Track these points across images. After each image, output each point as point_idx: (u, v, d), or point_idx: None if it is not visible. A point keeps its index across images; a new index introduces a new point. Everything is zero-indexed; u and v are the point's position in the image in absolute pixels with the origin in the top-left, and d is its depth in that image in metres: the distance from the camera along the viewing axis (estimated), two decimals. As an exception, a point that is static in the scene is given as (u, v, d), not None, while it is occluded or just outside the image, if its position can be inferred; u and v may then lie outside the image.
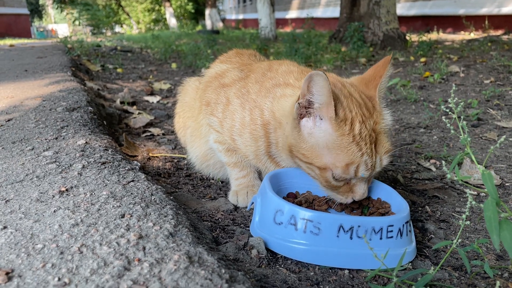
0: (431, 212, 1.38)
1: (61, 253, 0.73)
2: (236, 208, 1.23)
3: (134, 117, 2.50)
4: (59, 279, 0.65)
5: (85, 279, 0.65)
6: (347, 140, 0.94)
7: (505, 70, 3.97)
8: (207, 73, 1.45)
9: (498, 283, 0.72)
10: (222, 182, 1.51)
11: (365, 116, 0.97)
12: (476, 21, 9.08)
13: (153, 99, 3.22)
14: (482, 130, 2.30)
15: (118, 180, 1.06)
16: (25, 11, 23.21)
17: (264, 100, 1.14)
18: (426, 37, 6.93)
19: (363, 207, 1.08)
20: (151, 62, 6.25)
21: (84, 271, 0.67)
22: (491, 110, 2.64)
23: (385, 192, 1.10)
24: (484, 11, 8.90)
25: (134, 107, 2.84)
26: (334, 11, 14.65)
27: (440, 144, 2.15)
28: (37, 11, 39.48)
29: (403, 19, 10.81)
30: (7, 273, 0.67)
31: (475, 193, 1.54)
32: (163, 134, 2.29)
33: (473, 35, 8.55)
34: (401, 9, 11.20)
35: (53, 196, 0.97)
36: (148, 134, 2.25)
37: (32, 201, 0.95)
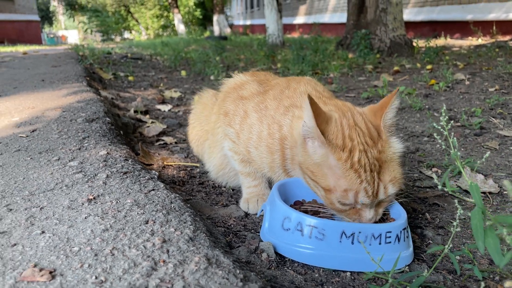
0: (431, 219, 1.47)
1: (96, 255, 0.83)
2: (247, 214, 1.33)
3: (148, 126, 2.61)
4: (96, 277, 0.75)
5: (119, 277, 0.75)
6: (345, 166, 1.00)
7: (510, 78, 4.03)
8: (226, 83, 1.53)
9: (483, 284, 0.80)
10: (233, 189, 1.60)
11: (367, 145, 1.03)
12: (484, 26, 9.11)
13: (165, 108, 3.34)
14: (484, 139, 2.37)
15: (140, 189, 1.16)
16: (36, 17, 23.64)
17: (283, 117, 1.21)
18: (433, 43, 6.99)
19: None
20: (161, 69, 6.39)
21: (117, 270, 0.77)
22: (493, 119, 2.70)
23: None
24: (492, 16, 8.92)
25: (147, 116, 2.96)
26: (341, 17, 14.74)
27: (443, 152, 2.23)
28: (47, 17, 40.11)
29: (410, 25, 10.87)
30: (50, 272, 0.77)
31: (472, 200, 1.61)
32: (176, 142, 2.40)
33: (480, 40, 8.59)
34: (409, 15, 11.26)
35: (83, 204, 1.07)
36: (162, 142, 2.36)
37: (64, 208, 1.06)
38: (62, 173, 1.30)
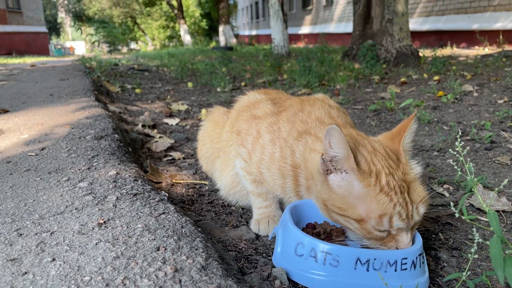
0: (444, 240, 1.44)
1: (107, 285, 0.82)
2: (257, 236, 1.31)
3: (156, 141, 2.61)
4: (108, 311, 0.74)
5: (131, 311, 0.74)
6: (374, 191, 0.98)
7: (518, 89, 3.99)
8: (240, 100, 1.52)
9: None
10: (242, 209, 1.59)
11: (391, 168, 1.02)
12: (490, 36, 9.09)
13: (172, 122, 3.34)
14: (495, 154, 2.34)
15: (150, 212, 1.15)
16: (44, 29, 24.00)
17: (296, 143, 1.20)
18: (439, 52, 6.97)
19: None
20: (167, 81, 6.42)
21: (129, 303, 0.76)
22: (504, 132, 2.67)
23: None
24: (498, 25, 8.90)
25: (155, 130, 2.96)
26: (346, 27, 14.79)
27: (453, 168, 2.20)
28: (55, 29, 40.68)
29: (416, 34, 10.88)
30: (61, 305, 0.76)
31: (487, 219, 1.58)
32: (184, 158, 2.39)
33: (487, 50, 8.55)
34: (414, 24, 11.27)
35: (93, 229, 1.06)
36: (170, 158, 2.35)
37: (75, 233, 1.05)
38: (72, 195, 1.29)
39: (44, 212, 1.18)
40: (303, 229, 1.07)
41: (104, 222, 1.10)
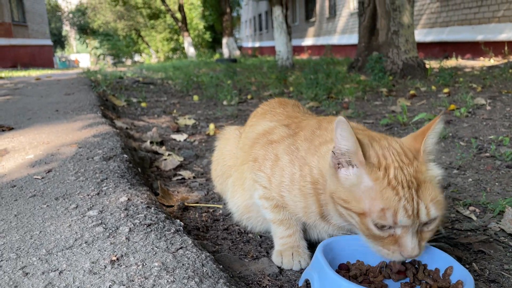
0: (479, 271, 1.34)
1: None
2: (281, 270, 1.22)
3: (165, 159, 2.53)
4: None
5: None
6: (381, 184, 0.94)
7: (533, 102, 3.90)
8: (253, 129, 1.46)
9: None
10: (260, 236, 1.49)
11: (403, 163, 0.97)
12: (495, 47, 9.03)
13: (180, 137, 3.27)
14: (519, 172, 2.25)
15: (167, 247, 1.06)
16: (49, 42, 24.18)
17: (312, 158, 1.15)
18: (444, 64, 6.91)
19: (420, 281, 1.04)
20: (173, 94, 6.37)
21: None
22: (525, 149, 2.57)
23: (442, 261, 1.06)
24: (503, 37, 8.85)
25: (163, 147, 2.88)
26: (350, 38, 14.81)
27: (477, 187, 2.10)
28: (59, 41, 41.03)
29: (420, 46, 10.83)
30: None
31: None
32: (194, 177, 2.30)
33: (493, 61, 8.49)
34: (418, 36, 11.23)
35: (105, 267, 0.97)
36: (179, 177, 2.27)
37: (85, 272, 0.96)
38: (81, 226, 1.20)
39: (52, 247, 1.09)
40: (336, 272, 0.97)
41: (117, 259, 1.01)
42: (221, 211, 1.74)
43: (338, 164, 1.01)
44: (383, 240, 0.96)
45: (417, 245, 0.95)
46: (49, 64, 22.90)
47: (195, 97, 5.74)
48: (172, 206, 1.73)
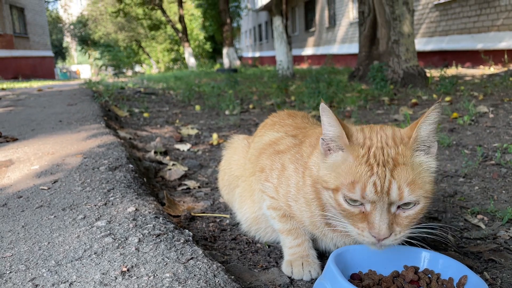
0: (491, 280, 1.32)
1: None
2: (291, 281, 1.20)
3: (169, 169, 2.52)
4: None
5: None
6: (359, 160, 0.97)
7: (535, 110, 3.91)
8: (260, 140, 1.46)
9: None
10: (269, 246, 1.48)
11: (386, 145, 0.99)
12: (495, 55, 9.08)
13: (184, 147, 3.26)
14: (525, 180, 2.24)
15: (177, 258, 1.05)
16: (50, 53, 24.33)
17: (312, 158, 1.17)
18: (446, 73, 6.93)
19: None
20: (174, 104, 6.38)
21: None
22: (530, 156, 2.57)
23: (456, 270, 1.05)
24: (503, 45, 8.90)
25: (167, 157, 2.88)
26: (350, 47, 14.89)
27: (484, 195, 2.09)
28: (61, 53, 41.27)
29: (420, 54, 10.88)
30: None
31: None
32: (199, 187, 2.29)
33: (492, 69, 8.52)
34: (418, 45, 11.29)
35: (116, 278, 0.96)
36: (184, 187, 2.26)
37: (96, 284, 0.95)
38: (90, 236, 1.19)
39: (61, 258, 1.08)
40: (349, 282, 0.96)
41: (128, 270, 1.00)
42: (228, 221, 1.73)
43: (329, 150, 1.05)
44: (354, 217, 0.98)
45: (386, 224, 0.95)
46: (50, 75, 23.01)
47: (197, 107, 5.75)
48: (178, 216, 1.72)
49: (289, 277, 1.22)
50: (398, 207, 0.97)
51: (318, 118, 4.03)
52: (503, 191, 2.11)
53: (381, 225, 0.94)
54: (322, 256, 1.33)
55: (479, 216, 1.84)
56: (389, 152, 0.98)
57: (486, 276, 1.35)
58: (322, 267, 1.23)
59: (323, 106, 1.00)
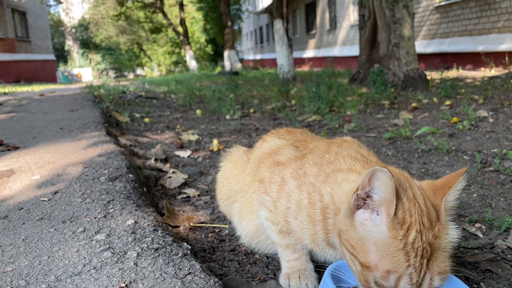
0: (488, 291, 1.33)
1: None
2: (289, 294, 1.22)
3: (169, 177, 2.54)
4: None
5: None
6: (397, 245, 0.89)
7: (535, 114, 3.91)
8: (260, 147, 1.45)
9: None
10: (267, 257, 1.49)
11: (424, 226, 0.92)
12: (496, 57, 9.08)
13: (184, 154, 3.28)
14: (524, 187, 2.24)
15: (175, 273, 1.07)
16: (52, 57, 24.43)
17: (324, 186, 1.13)
18: (445, 75, 6.94)
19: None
20: (175, 108, 6.41)
21: None
22: (529, 163, 2.57)
23: (449, 283, 1.05)
24: (504, 47, 8.90)
25: (167, 164, 2.89)
26: (350, 50, 14.91)
27: (482, 203, 2.10)
28: (62, 56, 41.42)
29: (420, 57, 10.89)
30: None
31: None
32: (199, 195, 2.31)
33: (493, 71, 8.52)
34: (419, 47, 11.30)
35: (115, 294, 0.98)
36: (184, 196, 2.27)
37: (95, 300, 0.96)
38: (89, 251, 1.21)
39: (61, 273, 1.09)
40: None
41: (126, 286, 1.01)
42: (227, 231, 1.74)
43: (357, 205, 0.96)
44: None
45: None
46: (52, 79, 23.10)
47: (198, 111, 5.77)
48: (178, 226, 1.73)
49: (287, 290, 1.23)
50: None
51: (318, 122, 4.02)
52: (501, 199, 2.12)
53: None
54: (319, 267, 1.35)
55: (477, 225, 1.85)
56: (428, 237, 0.91)
57: (483, 287, 1.35)
58: (319, 280, 1.24)
59: (382, 170, 0.89)
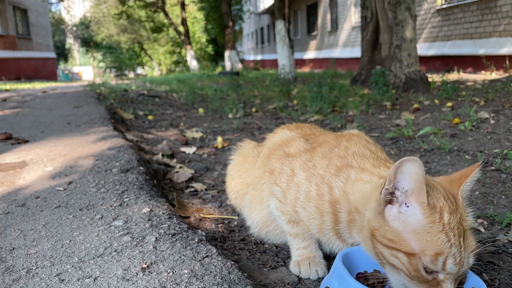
0: (490, 281, 1.38)
1: None
2: (299, 279, 1.27)
3: (177, 172, 2.59)
4: None
5: None
6: (437, 228, 0.93)
7: (535, 116, 3.97)
8: (271, 138, 1.50)
9: None
10: (276, 247, 1.54)
11: (451, 208, 0.97)
12: (496, 60, 9.15)
13: (189, 150, 3.33)
14: (524, 185, 2.30)
15: (193, 256, 1.12)
16: (52, 55, 24.45)
17: (335, 179, 1.17)
18: (447, 78, 7.00)
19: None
20: (178, 107, 6.45)
21: None
22: (529, 162, 2.63)
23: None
24: (504, 51, 8.97)
25: (174, 160, 2.94)
26: (352, 51, 14.97)
27: (484, 200, 2.15)
28: (63, 54, 41.41)
29: (422, 59, 10.96)
30: None
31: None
32: (206, 189, 2.36)
33: (494, 75, 8.59)
34: (420, 49, 11.36)
35: (137, 274, 1.03)
36: (192, 190, 2.32)
37: (119, 279, 1.01)
38: (109, 235, 1.26)
39: (83, 255, 1.14)
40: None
41: (147, 266, 1.06)
42: (236, 223, 1.79)
43: (387, 201, 0.98)
44: (428, 282, 0.94)
45: None
46: (53, 77, 23.12)
47: (201, 110, 5.82)
48: (189, 217, 1.78)
49: (297, 276, 1.28)
50: None
51: (320, 122, 4.07)
52: (503, 196, 2.17)
53: None
54: (327, 257, 1.39)
55: (479, 220, 1.90)
56: (457, 217, 0.96)
57: (485, 277, 1.41)
58: (328, 267, 1.29)
59: (410, 159, 0.91)
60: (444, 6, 10.82)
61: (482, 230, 1.80)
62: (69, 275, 1.04)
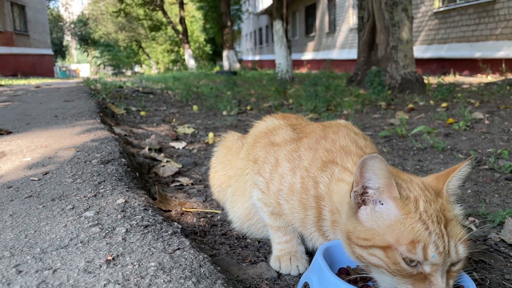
0: (480, 280, 1.32)
1: (118, 338, 0.71)
2: (279, 275, 1.20)
3: (163, 165, 2.52)
4: None
5: None
6: (412, 217, 0.88)
7: (531, 117, 3.92)
8: (257, 126, 1.43)
9: None
10: (258, 242, 1.47)
11: (428, 197, 0.92)
12: (493, 64, 9.12)
13: (179, 145, 3.26)
14: (518, 184, 2.24)
15: (164, 248, 1.05)
16: (50, 51, 24.31)
17: (320, 174, 1.10)
18: (443, 80, 6.96)
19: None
20: (172, 104, 6.38)
21: None
22: (524, 162, 2.57)
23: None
24: (501, 54, 8.95)
25: (162, 154, 2.87)
26: (349, 53, 14.94)
27: (476, 198, 2.09)
28: (60, 51, 41.22)
29: (418, 62, 10.92)
30: None
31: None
32: (192, 184, 2.29)
33: (490, 78, 8.56)
34: (417, 52, 11.33)
35: (100, 266, 0.96)
36: (178, 184, 2.25)
37: (80, 271, 0.94)
38: (77, 226, 1.18)
39: (46, 246, 1.07)
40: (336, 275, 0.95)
41: (113, 258, 0.99)
42: (219, 217, 1.72)
43: (358, 203, 0.95)
44: (413, 277, 0.88)
45: (447, 285, 0.88)
46: (50, 73, 22.99)
47: (195, 107, 5.75)
48: (169, 211, 1.71)
49: (277, 272, 1.21)
50: (451, 263, 0.91)
51: (315, 120, 4.03)
52: (496, 195, 2.11)
53: (444, 286, 0.87)
54: (309, 253, 1.33)
55: (471, 219, 1.84)
56: (436, 206, 0.91)
57: (475, 276, 1.34)
58: (310, 262, 1.22)
59: (372, 156, 0.88)
60: (442, 9, 10.80)
61: (474, 228, 1.74)
62: (27, 266, 0.97)
